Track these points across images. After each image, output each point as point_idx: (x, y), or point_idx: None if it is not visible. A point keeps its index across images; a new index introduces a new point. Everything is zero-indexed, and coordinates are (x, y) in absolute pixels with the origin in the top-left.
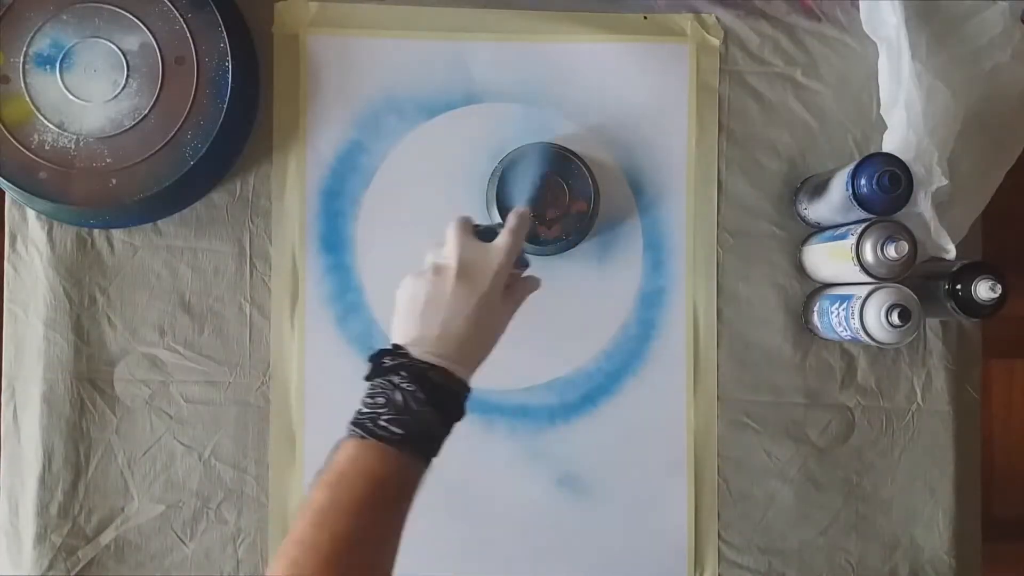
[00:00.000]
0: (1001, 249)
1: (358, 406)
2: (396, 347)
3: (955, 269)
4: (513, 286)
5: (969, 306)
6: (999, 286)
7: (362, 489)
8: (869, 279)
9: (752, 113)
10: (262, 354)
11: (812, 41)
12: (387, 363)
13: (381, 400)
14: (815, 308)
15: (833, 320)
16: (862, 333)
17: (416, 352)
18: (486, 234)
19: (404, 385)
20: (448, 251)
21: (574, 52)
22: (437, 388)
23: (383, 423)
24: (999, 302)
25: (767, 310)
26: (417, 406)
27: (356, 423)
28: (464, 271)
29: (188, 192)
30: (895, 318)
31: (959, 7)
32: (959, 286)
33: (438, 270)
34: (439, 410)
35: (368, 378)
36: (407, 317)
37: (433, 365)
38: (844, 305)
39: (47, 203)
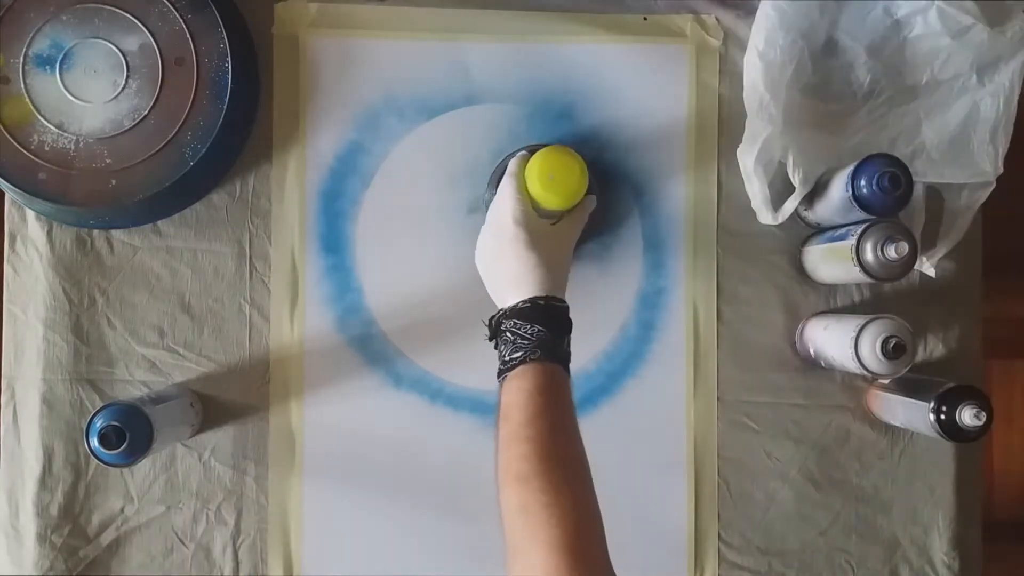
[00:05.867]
0: (1001, 249)
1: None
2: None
3: (941, 391)
4: (572, 211)
5: (952, 430)
6: (983, 413)
7: (541, 392)
8: (869, 279)
9: None
10: (262, 355)
11: None
12: (500, 320)
13: (509, 344)
14: (807, 338)
15: (827, 351)
16: (856, 363)
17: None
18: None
19: (519, 326)
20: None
21: (574, 53)
22: (541, 312)
23: (519, 357)
24: (983, 428)
25: (767, 310)
26: (536, 334)
27: (504, 366)
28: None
29: (188, 192)
30: (890, 350)
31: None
32: (944, 408)
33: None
34: (552, 328)
35: (492, 338)
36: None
37: (530, 301)
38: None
39: (47, 204)
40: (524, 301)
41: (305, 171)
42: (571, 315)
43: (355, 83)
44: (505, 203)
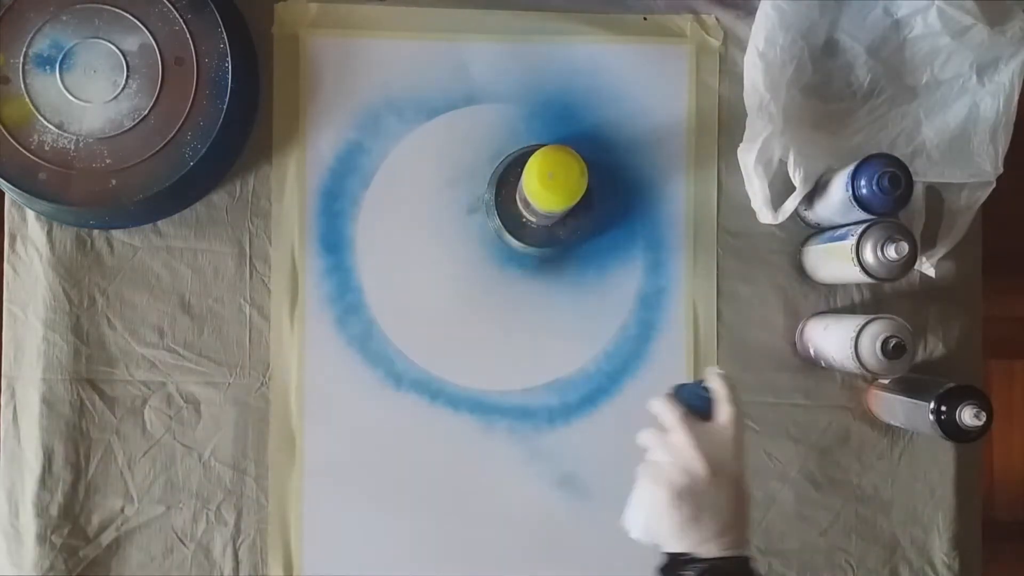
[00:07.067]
0: (1001, 249)
1: None
2: (685, 555)
3: (941, 391)
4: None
5: (952, 430)
6: (983, 413)
7: None
8: (869, 279)
9: None
10: (262, 355)
11: None
12: (691, 571)
13: None
14: (807, 337)
15: (827, 351)
16: (856, 363)
17: (709, 552)
18: (691, 398)
19: None
20: (689, 453)
21: (574, 53)
22: (739, 572)
23: None
24: (983, 428)
25: (767, 310)
26: None
27: None
28: (715, 466)
29: (188, 193)
30: (890, 350)
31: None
32: (944, 408)
33: (689, 475)
34: None
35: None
36: (680, 527)
37: (727, 557)
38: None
39: (47, 204)
40: (724, 551)
41: (305, 171)
42: (572, 315)
43: (355, 83)
44: (733, 438)
